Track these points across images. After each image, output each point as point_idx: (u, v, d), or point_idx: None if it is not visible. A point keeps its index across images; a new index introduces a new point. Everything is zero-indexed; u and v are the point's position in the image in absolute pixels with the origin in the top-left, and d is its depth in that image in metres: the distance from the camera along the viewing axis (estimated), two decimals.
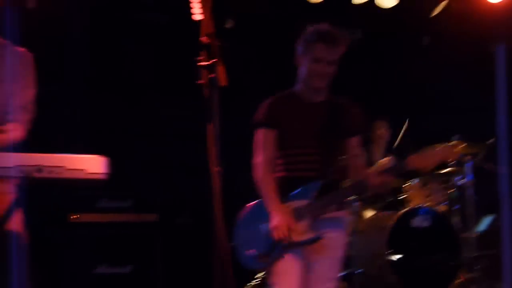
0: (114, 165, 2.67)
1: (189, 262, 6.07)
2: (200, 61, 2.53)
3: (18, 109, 3.09)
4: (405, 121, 5.95)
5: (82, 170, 2.51)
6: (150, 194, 5.66)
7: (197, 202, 6.40)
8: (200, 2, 2.64)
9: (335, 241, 3.48)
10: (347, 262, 5.10)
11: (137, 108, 6.36)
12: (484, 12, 5.74)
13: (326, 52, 3.42)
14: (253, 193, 3.55)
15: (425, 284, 5.53)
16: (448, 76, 6.89)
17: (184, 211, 6.28)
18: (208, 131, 2.46)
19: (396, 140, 5.92)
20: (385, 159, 5.89)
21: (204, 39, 2.54)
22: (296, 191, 3.45)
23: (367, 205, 5.87)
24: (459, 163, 5.72)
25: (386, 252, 5.45)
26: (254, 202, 3.58)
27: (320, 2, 6.19)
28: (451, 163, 5.74)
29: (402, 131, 5.92)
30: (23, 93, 3.14)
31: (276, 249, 3.40)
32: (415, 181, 5.81)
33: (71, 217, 5.33)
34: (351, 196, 4.46)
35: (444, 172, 5.86)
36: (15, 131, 3.04)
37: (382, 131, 6.02)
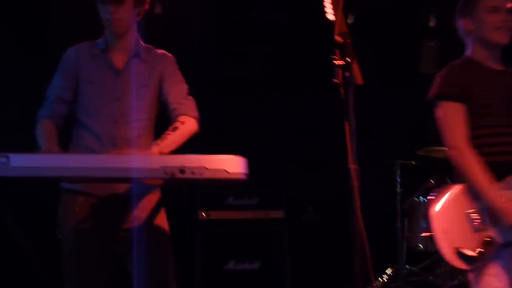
0: None
1: (315, 258, 6.10)
2: (335, 60, 2.53)
3: (181, 101, 3.23)
4: None
5: (223, 170, 2.58)
6: (276, 191, 5.71)
7: (322, 198, 6.47)
8: (332, 2, 2.65)
9: None
10: None
11: (262, 107, 6.44)
12: None
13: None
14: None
15: None
16: None
17: (309, 207, 6.32)
18: (346, 129, 2.47)
19: None
20: None
21: (337, 38, 2.55)
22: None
23: None
24: None
25: None
26: (449, 189, 3.06)
27: None
28: None
29: None
30: (179, 87, 3.28)
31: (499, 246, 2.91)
32: None
33: (201, 214, 5.49)
34: None
35: None
36: (188, 122, 3.18)
37: None
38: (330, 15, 2.63)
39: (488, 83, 3.06)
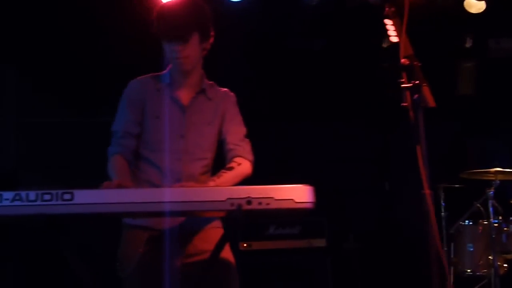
0: None
1: (359, 286, 6.01)
2: (402, 83, 2.48)
3: (238, 143, 3.19)
4: None
5: (290, 200, 2.51)
6: (317, 220, 5.66)
7: (362, 226, 6.40)
8: (393, 24, 2.60)
9: None
10: None
11: (300, 135, 6.41)
12: None
13: None
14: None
15: None
16: None
17: (350, 235, 6.25)
18: (417, 153, 2.40)
19: None
20: None
21: (404, 60, 2.50)
22: None
23: None
24: None
25: None
26: None
27: None
28: None
29: None
30: (238, 129, 3.23)
31: None
32: None
33: (243, 245, 5.43)
34: None
35: None
36: (243, 164, 3.14)
37: None
38: (394, 37, 2.58)
39: None
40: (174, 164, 3.05)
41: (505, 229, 5.40)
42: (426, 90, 2.43)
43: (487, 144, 6.54)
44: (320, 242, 5.53)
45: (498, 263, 5.26)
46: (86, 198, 2.46)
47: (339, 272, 5.70)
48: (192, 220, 3.00)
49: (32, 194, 2.44)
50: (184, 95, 3.16)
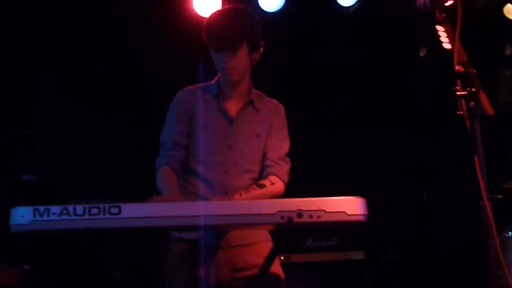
0: None
1: None
2: (457, 90, 2.40)
3: (278, 161, 3.12)
4: None
5: (342, 212, 2.45)
6: (355, 232, 5.57)
7: (401, 237, 6.30)
8: (446, 30, 2.53)
9: None
10: None
11: (336, 145, 6.35)
12: None
13: None
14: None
15: None
16: None
17: (388, 247, 6.16)
18: (475, 163, 2.32)
19: None
20: None
21: (458, 68, 2.42)
22: None
23: None
24: None
25: None
26: None
27: None
28: None
29: None
30: (281, 145, 3.16)
31: None
32: None
33: (281, 258, 5.36)
34: None
35: None
36: (277, 185, 3.07)
37: None
38: (446, 44, 2.50)
39: None
40: (222, 176, 3.01)
41: None
42: (483, 98, 2.35)
43: None
44: (358, 255, 5.44)
45: None
46: (133, 212, 2.43)
47: (378, 285, 5.61)
48: (241, 233, 2.94)
49: (79, 208, 2.41)
50: (232, 106, 3.12)
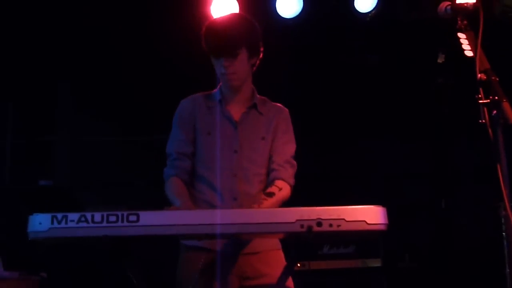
0: None
1: None
2: (479, 99, 2.37)
3: (283, 164, 3.11)
4: None
5: (363, 221, 2.41)
6: (372, 239, 5.54)
7: (418, 245, 6.25)
8: (467, 38, 2.50)
9: None
10: None
11: (353, 152, 6.33)
12: None
13: None
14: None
15: None
16: None
17: (405, 254, 6.12)
18: (498, 172, 2.28)
19: None
20: None
21: (481, 76, 2.39)
22: None
23: None
24: None
25: None
26: None
27: None
28: None
29: None
30: (286, 148, 3.15)
31: None
32: None
33: (297, 265, 5.34)
34: None
35: None
36: (284, 189, 3.05)
37: None
38: (468, 51, 2.47)
39: None
40: (229, 181, 3.01)
41: None
42: (506, 106, 2.32)
43: None
44: (375, 262, 5.41)
45: None
46: (152, 220, 2.40)
47: None
48: (253, 241, 2.94)
49: (97, 216, 2.39)
50: (235, 111, 3.13)
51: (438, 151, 6.53)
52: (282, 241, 3.11)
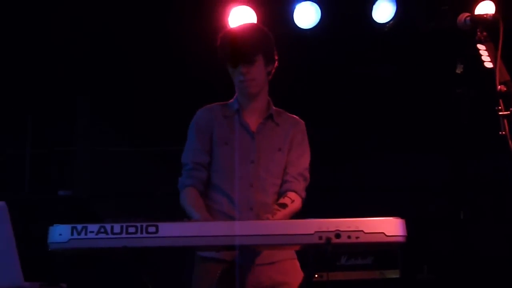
0: None
1: None
2: (499, 110, 2.36)
3: (297, 176, 3.11)
4: None
5: (381, 233, 2.41)
6: (391, 250, 5.52)
7: (436, 256, 6.22)
8: (487, 49, 2.49)
9: None
10: None
11: (369, 164, 6.31)
12: None
13: None
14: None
15: None
16: None
17: (424, 266, 6.09)
18: None
19: None
20: None
21: (501, 87, 2.38)
22: None
23: None
24: None
25: None
26: None
27: None
28: None
29: None
30: (301, 161, 3.16)
31: None
32: None
33: (315, 276, 5.32)
34: None
35: None
36: (296, 202, 3.06)
37: None
38: (488, 63, 2.47)
39: None
40: (246, 191, 3.01)
41: None
42: None
43: None
44: (394, 273, 5.38)
45: None
46: (171, 231, 2.42)
47: None
48: (266, 251, 2.93)
49: (116, 227, 2.41)
50: (252, 121, 3.14)
51: (457, 162, 6.48)
52: (299, 251, 3.11)
